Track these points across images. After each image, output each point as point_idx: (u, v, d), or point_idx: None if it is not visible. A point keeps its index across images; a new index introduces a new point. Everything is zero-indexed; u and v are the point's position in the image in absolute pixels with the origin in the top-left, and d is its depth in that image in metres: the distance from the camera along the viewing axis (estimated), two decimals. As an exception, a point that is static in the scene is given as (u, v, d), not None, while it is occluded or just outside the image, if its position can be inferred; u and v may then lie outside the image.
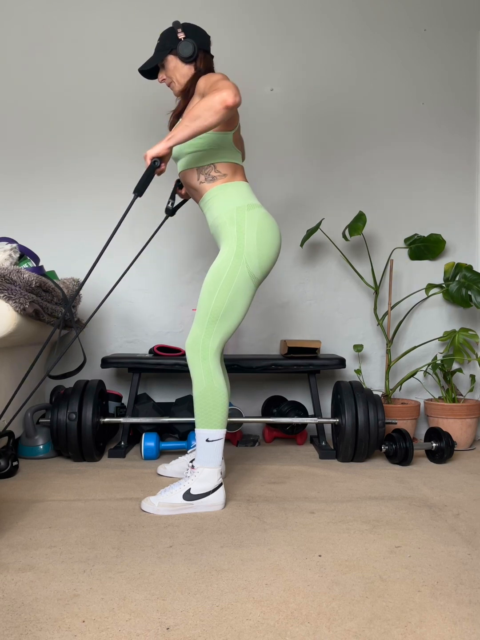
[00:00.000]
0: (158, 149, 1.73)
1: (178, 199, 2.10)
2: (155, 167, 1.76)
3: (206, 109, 1.66)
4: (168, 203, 1.99)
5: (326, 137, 3.07)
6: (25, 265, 2.37)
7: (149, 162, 1.76)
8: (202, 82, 1.84)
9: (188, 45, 1.93)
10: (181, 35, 1.94)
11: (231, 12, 3.05)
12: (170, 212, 2.04)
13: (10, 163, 3.02)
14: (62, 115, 3.03)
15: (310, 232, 2.84)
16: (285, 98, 3.06)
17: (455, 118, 3.08)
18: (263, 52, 3.06)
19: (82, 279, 2.83)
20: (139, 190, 1.78)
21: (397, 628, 1.12)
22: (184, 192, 2.15)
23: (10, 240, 2.43)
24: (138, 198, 1.82)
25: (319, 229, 2.89)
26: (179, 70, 1.97)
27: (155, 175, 1.90)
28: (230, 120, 1.88)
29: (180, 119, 1.88)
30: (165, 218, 2.03)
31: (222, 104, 1.65)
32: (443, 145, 3.08)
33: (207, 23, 2.94)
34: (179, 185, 2.08)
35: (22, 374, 2.40)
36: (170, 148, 1.74)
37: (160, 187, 2.98)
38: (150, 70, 2.05)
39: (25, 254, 2.39)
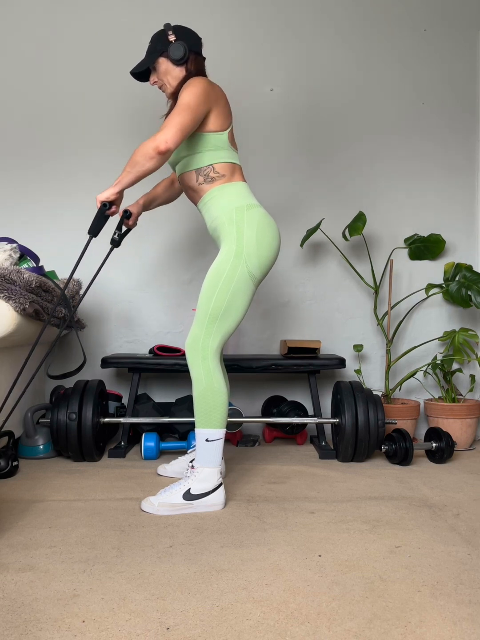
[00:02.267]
0: (107, 194, 1.85)
1: (125, 229, 2.09)
2: (105, 209, 1.88)
3: (142, 155, 1.76)
4: (114, 234, 1.99)
5: (326, 137, 3.07)
6: (25, 265, 2.37)
7: (99, 205, 1.87)
8: (180, 94, 1.84)
9: (179, 47, 1.92)
10: (172, 38, 1.94)
11: (231, 12, 3.05)
12: (116, 243, 2.00)
13: (10, 163, 3.02)
14: (61, 115, 3.03)
15: (310, 232, 2.84)
16: (285, 98, 3.06)
17: (456, 118, 3.08)
18: (263, 52, 3.06)
19: (82, 279, 2.83)
20: (93, 231, 1.90)
21: (397, 628, 1.12)
22: (131, 223, 2.11)
23: (10, 240, 2.43)
24: (94, 238, 1.91)
25: (319, 229, 2.89)
26: (170, 72, 1.97)
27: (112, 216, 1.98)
28: (222, 119, 1.89)
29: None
30: (111, 249, 2.01)
31: (154, 150, 1.74)
32: (443, 145, 3.08)
33: (207, 23, 2.94)
34: (126, 215, 2.04)
35: (23, 374, 2.40)
36: (119, 193, 1.86)
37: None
38: (142, 72, 2.05)
39: (25, 254, 2.39)
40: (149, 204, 2.21)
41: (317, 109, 3.07)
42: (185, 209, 3.01)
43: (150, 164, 1.77)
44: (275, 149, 3.06)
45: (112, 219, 2.86)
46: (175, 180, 2.26)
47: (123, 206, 2.75)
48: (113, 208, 1.89)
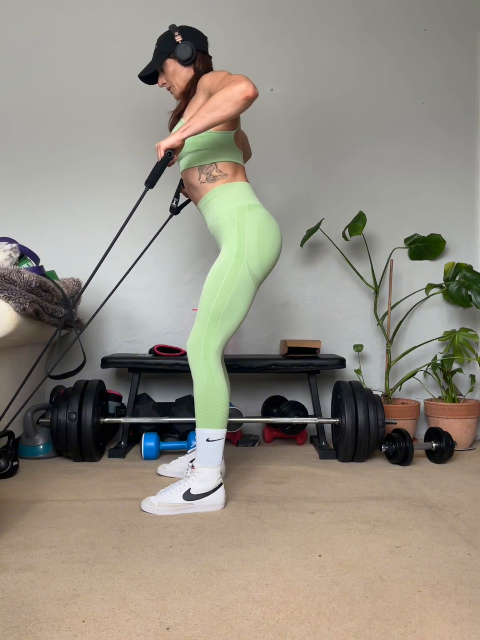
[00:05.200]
0: (172, 140, 1.71)
1: (183, 198, 2.07)
2: (169, 158, 1.74)
3: (225, 99, 1.64)
4: (172, 202, 1.98)
5: (326, 137, 3.07)
6: (25, 265, 2.37)
7: (162, 153, 1.74)
8: (207, 80, 1.82)
9: (186, 47, 1.93)
10: (178, 38, 1.94)
11: (231, 12, 3.05)
12: (175, 210, 2.03)
13: (10, 163, 3.02)
14: (62, 116, 3.02)
15: (310, 232, 2.84)
16: (285, 98, 3.06)
17: (455, 118, 3.08)
18: (263, 52, 3.06)
19: (82, 279, 2.83)
20: (151, 182, 1.75)
21: (397, 628, 1.12)
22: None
23: (10, 240, 2.43)
24: (150, 190, 1.81)
25: (319, 229, 2.89)
26: (178, 73, 1.98)
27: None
28: (233, 119, 1.88)
29: (185, 117, 1.87)
30: (170, 216, 2.02)
31: (242, 94, 1.63)
32: (443, 145, 3.08)
33: (207, 23, 2.94)
34: (182, 184, 2.07)
35: (22, 374, 2.40)
36: (184, 140, 1.72)
37: (161, 191, 2.98)
38: (150, 75, 2.05)
39: (25, 254, 2.39)
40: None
41: (317, 109, 3.07)
42: (185, 209, 3.01)
43: (233, 108, 1.64)
44: (275, 149, 3.06)
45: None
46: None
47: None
48: (174, 157, 1.77)
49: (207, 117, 1.66)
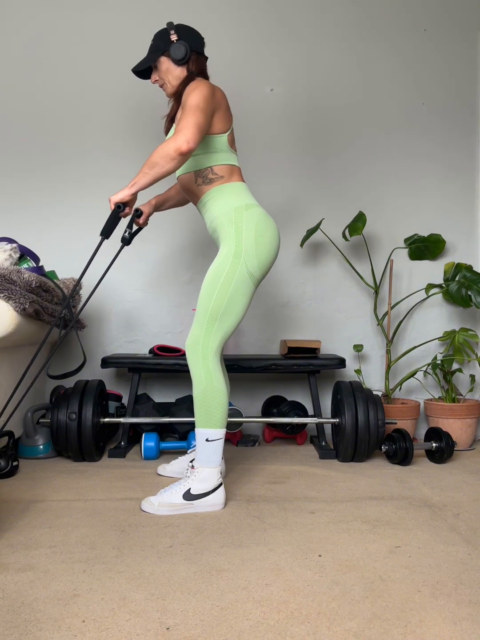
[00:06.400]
0: (121, 195, 1.81)
1: (135, 227, 2.06)
2: (119, 211, 1.84)
3: (162, 156, 1.73)
4: (125, 232, 1.97)
5: (326, 137, 3.07)
6: (25, 265, 2.37)
7: (113, 206, 1.83)
8: (185, 96, 1.84)
9: (180, 47, 1.92)
10: (174, 37, 1.94)
11: (231, 12, 3.05)
12: (127, 241, 1.98)
13: (10, 163, 3.02)
14: (61, 116, 3.02)
15: (310, 232, 2.84)
16: (285, 98, 3.06)
17: (455, 118, 3.08)
18: (263, 52, 3.06)
19: (85, 279, 2.83)
20: (105, 233, 1.86)
21: (397, 628, 1.12)
22: (142, 222, 2.09)
23: (10, 240, 2.43)
24: (105, 240, 1.85)
25: (319, 229, 2.89)
26: (171, 72, 1.97)
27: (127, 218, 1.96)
28: (223, 122, 1.89)
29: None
30: (122, 247, 2.00)
31: (176, 151, 1.72)
32: (443, 145, 3.08)
33: (207, 23, 2.94)
34: (136, 214, 2.01)
35: (22, 374, 2.40)
36: (134, 194, 1.82)
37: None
38: (144, 70, 2.06)
39: (25, 254, 2.39)
40: (161, 205, 2.21)
41: (317, 109, 3.07)
42: (185, 209, 3.01)
43: (171, 165, 1.74)
44: (275, 149, 3.06)
45: (124, 219, 2.86)
46: None
47: (136, 205, 2.75)
48: (126, 209, 1.86)
49: (149, 173, 1.76)
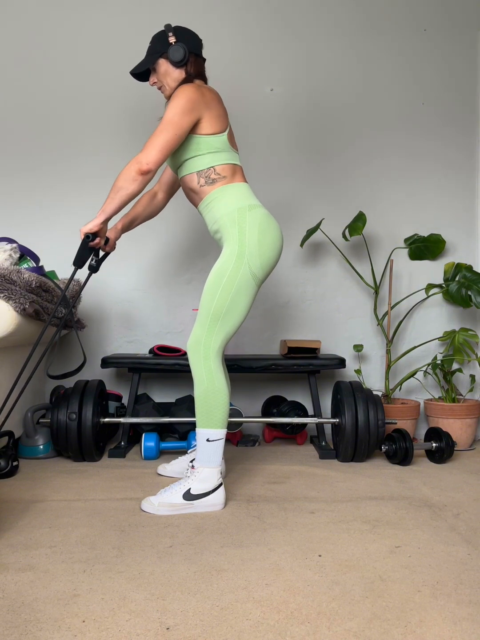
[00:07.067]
0: (90, 225, 1.82)
1: (102, 253, 2.06)
2: (89, 241, 1.84)
3: (125, 180, 1.77)
4: (91, 260, 1.96)
5: (326, 137, 3.07)
6: (25, 265, 2.37)
7: (82, 236, 1.84)
8: (166, 107, 1.84)
9: (178, 49, 1.92)
10: (172, 39, 1.93)
11: (231, 12, 3.05)
12: (94, 269, 1.99)
13: (10, 163, 3.02)
14: (61, 115, 3.02)
15: (310, 232, 2.84)
16: (285, 98, 3.06)
17: (455, 118, 3.08)
18: (263, 52, 3.06)
19: (82, 279, 2.82)
20: (78, 263, 1.87)
21: (397, 628, 1.12)
22: (108, 248, 2.07)
23: (10, 240, 2.43)
24: (79, 269, 1.88)
25: (319, 229, 2.89)
26: (169, 74, 1.97)
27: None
28: (217, 122, 1.88)
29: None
30: (89, 275, 1.99)
31: (137, 172, 1.76)
32: (443, 145, 3.08)
33: (207, 23, 2.94)
34: (104, 241, 2.00)
35: (23, 374, 2.40)
36: (103, 223, 1.83)
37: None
38: (142, 72, 2.05)
39: (25, 254, 2.39)
40: (128, 226, 2.17)
41: (317, 109, 3.07)
42: (184, 210, 3.01)
43: (134, 186, 1.77)
44: (275, 149, 3.06)
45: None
46: (157, 192, 2.22)
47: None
48: (97, 239, 1.86)
49: (115, 198, 1.79)
